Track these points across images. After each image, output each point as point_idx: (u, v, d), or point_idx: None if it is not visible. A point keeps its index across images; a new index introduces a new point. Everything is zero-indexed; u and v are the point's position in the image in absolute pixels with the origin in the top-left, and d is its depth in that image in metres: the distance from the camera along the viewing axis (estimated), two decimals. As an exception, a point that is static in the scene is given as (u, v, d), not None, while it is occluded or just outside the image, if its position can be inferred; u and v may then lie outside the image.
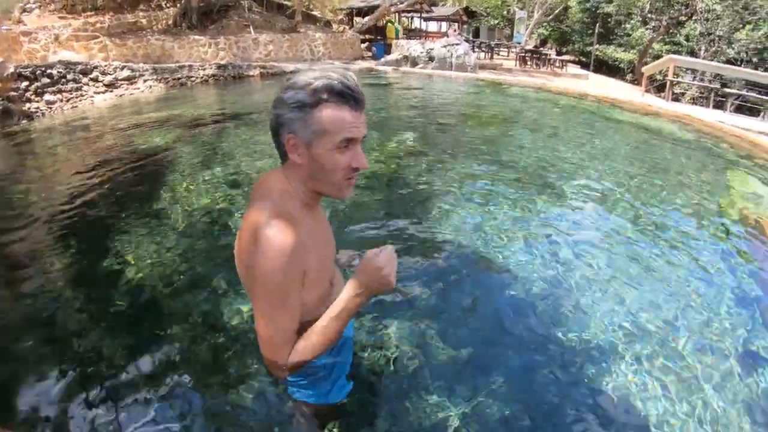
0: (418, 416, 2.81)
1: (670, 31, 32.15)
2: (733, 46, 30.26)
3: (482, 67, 22.81)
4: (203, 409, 2.84)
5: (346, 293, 1.61)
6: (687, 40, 32.64)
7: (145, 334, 3.48)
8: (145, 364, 3.16)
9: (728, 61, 28.24)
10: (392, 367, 3.15)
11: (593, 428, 2.85)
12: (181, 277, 4.17)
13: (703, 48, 31.22)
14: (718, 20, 30.50)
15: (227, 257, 4.37)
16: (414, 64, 20.28)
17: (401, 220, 5.18)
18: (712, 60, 27.30)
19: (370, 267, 1.60)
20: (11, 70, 10.17)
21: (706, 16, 30.81)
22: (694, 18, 31.41)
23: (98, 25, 16.30)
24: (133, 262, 4.32)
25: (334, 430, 2.56)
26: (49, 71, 11.98)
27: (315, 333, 1.62)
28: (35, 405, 2.85)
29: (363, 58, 24.60)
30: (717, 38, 30.87)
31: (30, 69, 11.65)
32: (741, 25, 30.18)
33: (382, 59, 21.84)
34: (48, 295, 3.92)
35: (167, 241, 4.71)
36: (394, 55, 21.46)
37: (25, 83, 11.14)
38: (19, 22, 16.02)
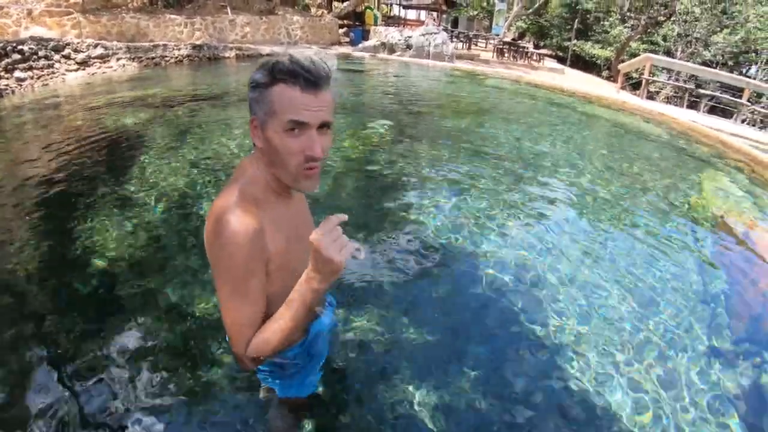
0: (389, 403, 2.80)
1: (648, 30, 32.35)
2: (709, 48, 30.61)
3: (460, 57, 22.78)
4: (172, 397, 2.77)
5: (300, 281, 1.50)
6: (664, 40, 32.93)
7: (113, 319, 3.40)
8: (113, 349, 3.09)
9: (704, 63, 28.52)
10: (362, 356, 3.13)
11: (559, 417, 2.85)
12: (152, 260, 4.10)
13: (679, 49, 31.52)
14: (696, 22, 30.82)
15: (198, 240, 4.32)
16: (391, 51, 20.20)
17: (373, 208, 5.14)
18: (688, 61, 27.56)
19: (315, 251, 1.42)
20: (-19, 45, 9.90)
21: (684, 17, 31.09)
22: (672, 19, 31.64)
23: (72, 0, 15.90)
24: (102, 245, 4.22)
25: (306, 416, 2.54)
26: (20, 47, 11.62)
27: (270, 328, 1.53)
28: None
29: (340, 43, 24.41)
30: (694, 40, 31.20)
31: (0, 45, 11.33)
32: (719, 29, 30.52)
33: (360, 45, 21.75)
34: (13, 277, 3.81)
35: (137, 224, 4.62)
36: (371, 42, 21.35)
37: (-5, 59, 10.84)
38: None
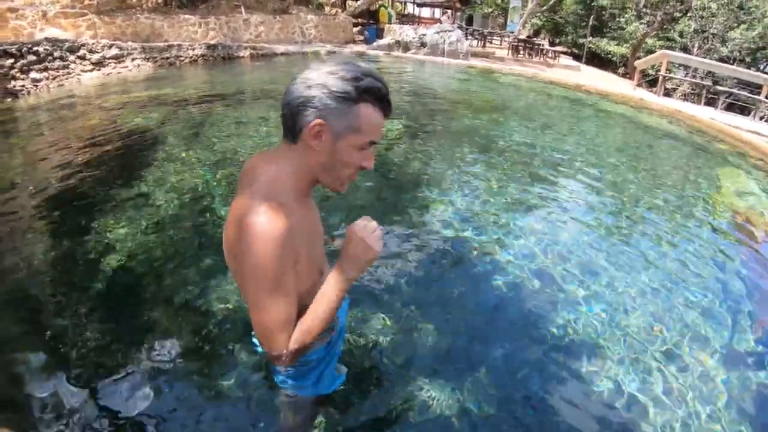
0: (400, 402, 2.79)
1: (664, 26, 32.09)
2: (726, 44, 30.22)
3: (474, 54, 22.69)
4: (184, 397, 2.78)
5: (334, 269, 1.59)
6: (681, 36, 32.61)
7: (127, 318, 3.41)
8: (125, 348, 3.09)
9: (721, 59, 28.18)
10: (375, 354, 3.12)
11: (573, 421, 2.82)
12: (165, 259, 4.10)
13: (696, 45, 31.19)
14: (713, 18, 30.47)
15: (212, 240, 4.33)
16: (406, 49, 20.13)
17: (389, 206, 5.13)
18: (705, 57, 27.31)
19: (353, 239, 1.56)
20: (-4, 47, 9.95)
21: (701, 13, 30.76)
22: (688, 15, 31.35)
23: (87, 2, 15.83)
24: (116, 244, 4.22)
25: (319, 416, 2.53)
26: (35, 48, 11.64)
27: (310, 317, 1.58)
28: (6, 386, 2.78)
29: (355, 41, 24.37)
30: (711, 36, 30.85)
31: (16, 46, 11.30)
32: (735, 24, 30.15)
33: (374, 43, 21.69)
34: (29, 276, 3.82)
35: (151, 223, 4.62)
36: (386, 40, 21.29)
37: (10, 60, 10.81)
38: (5, -4, 15.69)
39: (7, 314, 3.39)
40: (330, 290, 1.59)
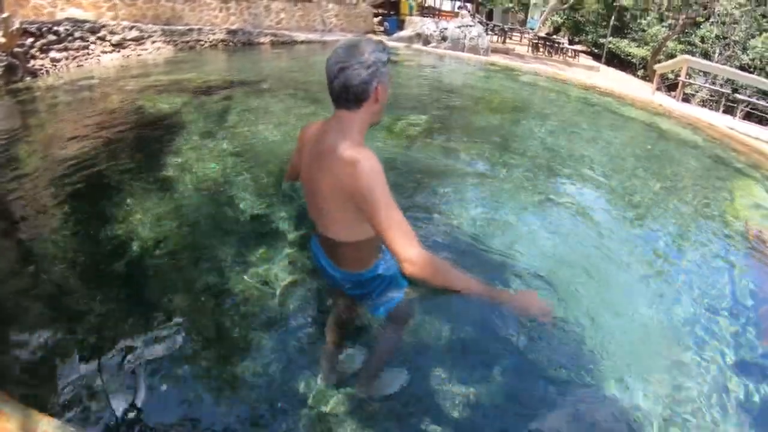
0: (414, 400, 2.85)
1: (686, 30, 31.80)
2: (747, 52, 29.96)
3: (494, 50, 22.62)
4: (206, 381, 2.85)
5: (501, 289, 2.13)
6: (702, 41, 32.27)
7: (147, 302, 3.48)
8: (145, 331, 3.16)
9: (741, 67, 27.90)
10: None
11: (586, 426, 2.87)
12: (185, 244, 4.17)
13: (717, 51, 30.93)
14: (735, 25, 30.17)
15: (231, 225, 4.38)
16: (426, 42, 20.07)
17: (405, 202, 5.14)
18: (725, 64, 27.09)
19: (536, 301, 2.00)
20: (17, 25, 9.88)
21: (723, 19, 30.46)
22: (711, 20, 31.07)
23: (108, -18, 16.00)
24: (136, 228, 4.29)
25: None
26: (55, 28, 11.62)
27: (457, 270, 1.94)
28: (31, 369, 2.85)
29: (375, 32, 24.30)
30: (732, 43, 30.59)
31: (36, 25, 11.28)
32: (758, 32, 29.85)
33: (395, 35, 21.60)
34: (49, 259, 3.88)
35: (171, 207, 4.69)
36: (407, 32, 21.21)
37: (31, 40, 10.77)
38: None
39: (28, 297, 3.45)
40: (483, 287, 1.95)
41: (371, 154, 1.92)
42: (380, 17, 26.72)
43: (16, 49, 9.79)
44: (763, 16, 29.98)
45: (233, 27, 17.52)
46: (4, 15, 9.39)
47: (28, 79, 9.67)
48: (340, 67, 1.91)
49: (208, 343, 3.14)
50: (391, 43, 19.45)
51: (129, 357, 2.93)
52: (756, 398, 3.33)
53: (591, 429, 2.89)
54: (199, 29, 15.93)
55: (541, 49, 27.27)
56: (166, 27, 15.06)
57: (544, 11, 32.76)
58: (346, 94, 1.95)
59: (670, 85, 22.60)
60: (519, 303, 2.01)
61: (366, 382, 2.85)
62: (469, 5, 33.10)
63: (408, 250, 1.84)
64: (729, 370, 3.54)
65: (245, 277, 3.71)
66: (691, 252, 5.22)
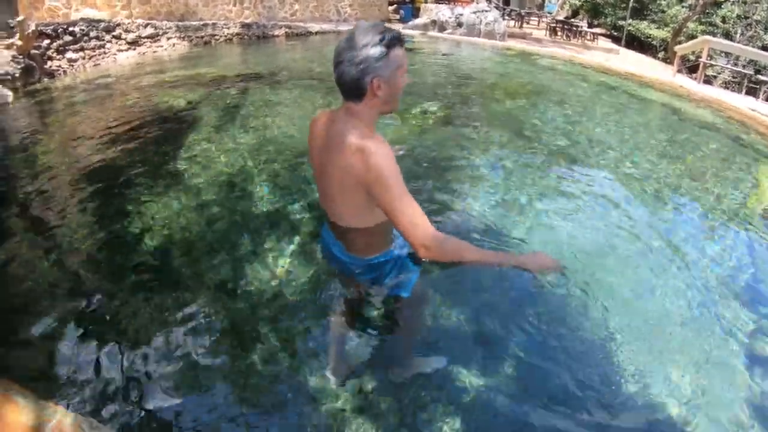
0: (423, 391, 2.84)
1: (707, 11, 31.28)
2: (769, 32, 29.48)
3: (511, 35, 22.47)
4: (220, 377, 2.86)
5: (510, 253, 2.23)
6: (723, 21, 31.74)
7: (164, 297, 3.51)
8: (160, 327, 3.19)
9: (764, 47, 27.45)
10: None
11: (598, 421, 2.82)
12: (202, 240, 4.21)
13: (739, 31, 30.43)
14: (757, 4, 29.69)
15: (247, 221, 4.39)
16: (442, 29, 19.96)
17: (420, 191, 5.12)
18: (747, 45, 26.66)
19: (543, 257, 2.14)
20: (33, 27, 9.96)
21: (744, -2, 30.04)
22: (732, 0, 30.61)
23: (122, -18, 16.06)
24: (153, 225, 4.34)
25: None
26: (71, 29, 11.78)
27: (471, 246, 2.02)
28: (47, 363, 2.88)
29: (390, 20, 24.22)
30: (754, 22, 30.08)
31: (52, 27, 11.43)
32: (780, 11, 29.37)
33: (410, 23, 21.54)
34: (68, 254, 3.94)
35: (187, 204, 4.72)
36: (422, 19, 21.11)
37: (47, 41, 10.93)
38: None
39: (48, 290, 3.50)
40: (493, 255, 2.19)
41: (381, 140, 2.00)
42: (395, 5, 26.63)
43: (33, 51, 9.91)
44: (786, -7, 29.46)
45: (247, 21, 17.56)
46: (20, 18, 9.49)
47: (45, 80, 9.79)
48: (336, 61, 2.02)
49: (221, 334, 3.16)
50: (406, 31, 19.38)
51: (143, 350, 2.96)
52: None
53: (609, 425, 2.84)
54: (214, 24, 16.01)
55: (558, 33, 27.08)
56: (180, 23, 15.15)
57: (562, -6, 32.43)
58: (343, 88, 2.05)
59: (691, 67, 22.30)
60: (532, 262, 2.11)
61: (399, 365, 2.94)
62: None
63: (422, 235, 1.90)
64: (755, 363, 3.45)
65: (259, 269, 3.72)
66: (712, 240, 5.14)
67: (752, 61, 23.97)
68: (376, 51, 1.96)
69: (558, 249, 4.38)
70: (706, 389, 3.14)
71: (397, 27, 20.27)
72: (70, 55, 11.27)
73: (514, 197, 5.28)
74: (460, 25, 19.90)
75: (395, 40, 2.02)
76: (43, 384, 2.68)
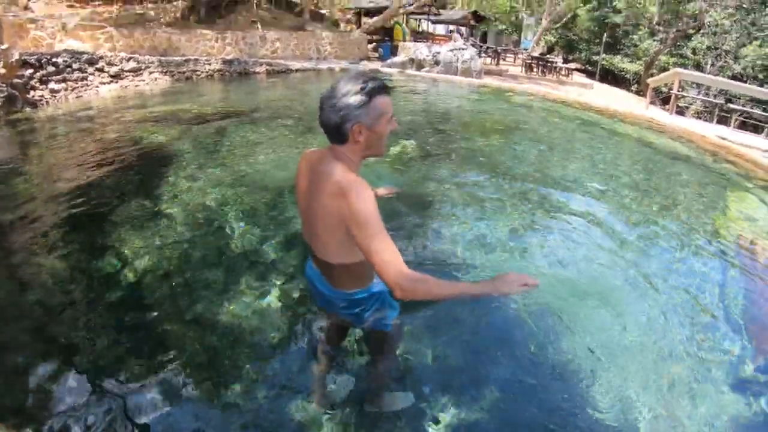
0: (406, 419, 2.91)
1: (678, 43, 32.08)
2: (739, 61, 30.14)
3: (488, 72, 22.85)
4: (194, 407, 2.90)
5: (481, 282, 2.10)
6: (693, 53, 32.53)
7: (139, 331, 3.53)
8: (137, 359, 3.22)
9: (734, 77, 28.10)
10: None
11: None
12: (178, 275, 4.22)
13: (709, 62, 31.15)
14: (726, 35, 30.44)
15: (223, 256, 4.46)
16: (420, 66, 20.29)
17: (398, 227, 5.19)
18: (717, 75, 27.27)
19: (508, 277, 2.03)
20: (16, 57, 10.12)
21: (714, 30, 30.76)
22: (701, 32, 31.34)
23: (106, 15, 16.17)
24: (130, 259, 4.36)
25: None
26: (54, 60, 11.94)
27: (441, 281, 1.97)
28: (22, 397, 2.91)
29: (369, 58, 24.55)
30: (724, 53, 30.80)
31: (35, 57, 11.60)
32: (748, 41, 30.05)
33: (389, 61, 21.83)
34: (43, 287, 3.97)
35: (165, 239, 4.76)
36: (400, 57, 21.44)
37: (30, 71, 11.07)
38: (27, 8, 15.91)
39: (23, 324, 3.54)
40: (466, 286, 2.18)
41: (362, 182, 2.03)
42: (375, 44, 26.99)
43: (16, 80, 10.00)
44: (753, 24, 30.19)
45: (229, 57, 17.78)
46: (4, 46, 9.61)
47: (27, 109, 9.87)
48: (320, 106, 2.09)
49: (200, 372, 3.19)
50: (385, 69, 19.68)
51: (119, 385, 2.98)
52: (748, 413, 3.35)
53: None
54: (196, 60, 16.21)
55: (534, 69, 27.48)
56: (163, 58, 15.34)
57: (537, 31, 33.04)
58: (327, 132, 2.13)
59: (664, 99, 22.74)
60: (501, 287, 2.04)
61: (373, 398, 2.98)
62: (462, 29, 33.38)
63: (394, 274, 1.91)
64: (725, 385, 3.56)
65: (237, 305, 3.78)
66: (685, 267, 5.25)
67: (723, 90, 24.51)
68: (356, 99, 2.03)
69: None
70: (682, 412, 3.24)
71: (376, 65, 20.67)
72: (53, 85, 11.39)
73: (489, 232, 5.37)
74: (437, 63, 20.24)
75: (378, 90, 2.08)
76: (19, 420, 2.71)
